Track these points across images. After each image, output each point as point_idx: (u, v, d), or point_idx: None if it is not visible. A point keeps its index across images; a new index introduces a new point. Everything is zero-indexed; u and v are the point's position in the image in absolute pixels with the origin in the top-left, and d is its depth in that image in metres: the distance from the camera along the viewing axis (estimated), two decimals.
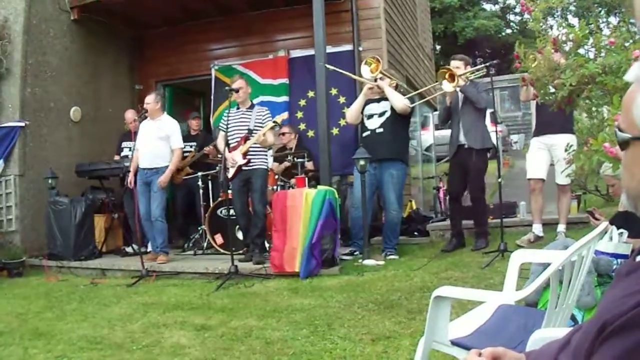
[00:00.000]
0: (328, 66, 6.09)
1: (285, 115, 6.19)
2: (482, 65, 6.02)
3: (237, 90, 5.96)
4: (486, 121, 6.09)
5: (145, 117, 6.26)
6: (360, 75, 6.18)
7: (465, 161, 5.86)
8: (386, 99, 6.02)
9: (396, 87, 6.15)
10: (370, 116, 6.12)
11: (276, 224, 5.41)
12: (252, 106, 6.10)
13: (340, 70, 6.31)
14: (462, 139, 5.85)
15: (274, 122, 5.97)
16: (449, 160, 6.31)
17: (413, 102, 6.25)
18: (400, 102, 5.93)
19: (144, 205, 6.20)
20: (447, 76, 5.70)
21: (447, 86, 5.70)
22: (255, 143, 5.82)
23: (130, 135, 7.08)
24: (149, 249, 6.52)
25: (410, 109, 6.12)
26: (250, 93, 6.22)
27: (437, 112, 12.08)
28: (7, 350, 3.62)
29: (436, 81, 6.00)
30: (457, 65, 5.88)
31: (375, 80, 6.05)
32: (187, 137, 7.33)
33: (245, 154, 5.83)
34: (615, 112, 2.51)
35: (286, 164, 6.77)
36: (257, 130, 5.84)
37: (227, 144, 5.80)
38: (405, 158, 6.30)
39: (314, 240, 5.13)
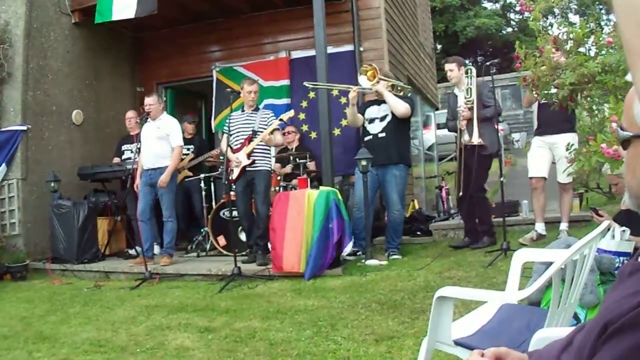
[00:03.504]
0: (307, 84, 6.20)
1: (291, 113, 6.18)
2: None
3: (239, 93, 5.97)
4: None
5: (147, 120, 6.26)
6: (359, 84, 6.13)
7: (471, 161, 5.84)
8: (386, 101, 6.00)
9: (393, 87, 6.13)
10: (371, 120, 6.09)
11: (273, 222, 5.41)
12: (256, 109, 6.11)
13: (326, 85, 6.23)
14: (467, 138, 5.81)
15: (280, 119, 5.98)
16: (457, 160, 6.28)
17: (413, 101, 6.22)
18: (401, 108, 5.89)
19: (142, 205, 6.20)
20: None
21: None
22: (260, 142, 5.81)
23: (131, 138, 7.09)
24: (156, 251, 6.54)
25: (411, 111, 6.09)
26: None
27: (438, 112, 12.09)
28: (12, 354, 3.63)
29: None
30: (450, 68, 5.91)
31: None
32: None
33: (249, 155, 5.84)
34: (612, 112, 2.51)
35: (290, 167, 6.70)
36: (261, 132, 5.85)
37: (230, 146, 5.81)
38: (408, 159, 6.27)
39: (334, 240, 5.19)
